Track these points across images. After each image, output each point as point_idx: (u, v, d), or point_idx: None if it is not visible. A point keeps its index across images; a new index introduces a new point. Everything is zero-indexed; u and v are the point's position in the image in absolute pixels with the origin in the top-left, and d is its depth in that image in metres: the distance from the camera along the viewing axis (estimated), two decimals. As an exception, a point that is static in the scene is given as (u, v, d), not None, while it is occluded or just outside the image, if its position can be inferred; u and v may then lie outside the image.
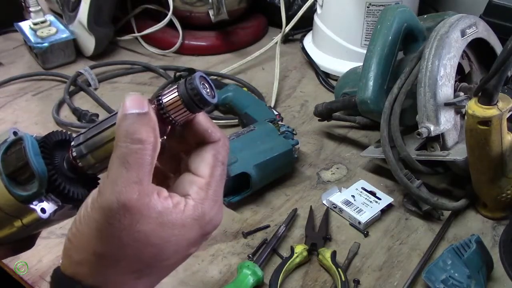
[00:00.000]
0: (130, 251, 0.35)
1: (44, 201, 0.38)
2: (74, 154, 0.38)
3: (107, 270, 0.36)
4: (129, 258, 0.36)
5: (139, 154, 0.34)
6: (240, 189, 0.72)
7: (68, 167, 0.39)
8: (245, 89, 0.93)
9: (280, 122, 0.81)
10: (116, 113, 0.37)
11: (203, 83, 0.36)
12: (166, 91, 0.36)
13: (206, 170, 0.38)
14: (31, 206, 0.38)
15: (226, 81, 1.02)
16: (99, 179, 0.41)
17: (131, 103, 0.35)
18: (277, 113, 0.83)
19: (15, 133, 0.40)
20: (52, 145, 0.39)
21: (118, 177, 0.34)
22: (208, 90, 0.36)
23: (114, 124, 0.36)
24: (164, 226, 0.35)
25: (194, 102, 0.36)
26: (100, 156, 0.37)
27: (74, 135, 0.40)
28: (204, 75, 0.37)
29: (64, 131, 0.41)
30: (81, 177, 0.39)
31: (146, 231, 0.35)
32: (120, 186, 0.34)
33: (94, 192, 0.36)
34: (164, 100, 0.36)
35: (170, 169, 0.42)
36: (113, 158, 0.35)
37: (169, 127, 0.38)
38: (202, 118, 0.39)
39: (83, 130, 0.39)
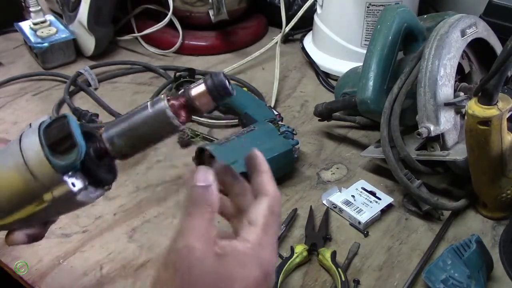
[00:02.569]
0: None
1: (75, 177, 0.42)
2: (105, 138, 0.43)
3: None
4: None
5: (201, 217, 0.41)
6: None
7: (95, 155, 0.44)
8: (245, 89, 0.93)
9: (280, 122, 0.81)
10: (145, 106, 0.43)
11: (222, 80, 0.43)
12: (193, 86, 0.44)
13: (261, 220, 0.43)
14: (65, 178, 0.42)
15: (226, 81, 1.02)
16: (116, 170, 0.47)
17: (201, 177, 0.42)
18: (277, 113, 0.83)
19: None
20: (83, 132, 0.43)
21: (186, 229, 0.40)
22: (229, 84, 0.44)
23: (144, 118, 0.43)
24: (226, 266, 0.40)
25: (219, 92, 0.43)
26: (128, 144, 0.43)
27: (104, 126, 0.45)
28: (224, 74, 0.43)
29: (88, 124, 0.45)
30: (104, 165, 0.44)
31: (212, 271, 0.40)
32: (186, 237, 0.40)
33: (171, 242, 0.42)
34: (192, 93, 0.44)
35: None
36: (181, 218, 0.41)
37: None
38: (260, 177, 0.46)
39: (114, 120, 0.44)
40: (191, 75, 0.96)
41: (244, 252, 0.41)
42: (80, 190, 0.42)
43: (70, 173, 0.42)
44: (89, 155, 0.43)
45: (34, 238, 0.47)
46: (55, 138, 0.42)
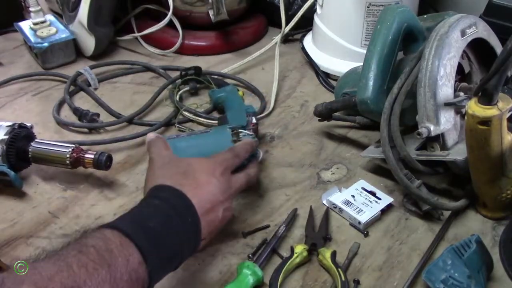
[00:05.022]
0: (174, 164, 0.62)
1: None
2: (30, 154, 0.74)
3: (172, 176, 0.60)
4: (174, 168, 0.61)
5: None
6: None
7: (25, 153, 0.74)
8: (240, 92, 0.90)
9: (248, 132, 0.75)
10: (62, 145, 0.74)
11: (107, 159, 0.73)
12: (90, 152, 0.73)
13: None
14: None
15: (229, 81, 1.01)
16: (31, 162, 0.76)
17: (151, 135, 0.69)
18: (254, 122, 0.80)
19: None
20: (21, 137, 0.73)
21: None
22: (108, 163, 0.73)
23: (59, 155, 0.73)
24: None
25: (97, 167, 0.73)
26: (43, 161, 0.74)
27: (37, 139, 0.76)
28: (111, 156, 0.74)
29: (30, 125, 0.77)
30: (26, 160, 0.75)
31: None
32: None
33: None
34: (86, 155, 0.73)
35: None
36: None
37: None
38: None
39: (44, 140, 0.75)
40: (198, 73, 0.96)
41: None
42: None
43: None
44: (20, 156, 0.73)
45: None
46: (3, 182, 0.73)
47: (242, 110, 0.83)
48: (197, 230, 0.56)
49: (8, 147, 0.72)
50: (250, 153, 0.69)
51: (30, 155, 0.73)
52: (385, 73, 0.76)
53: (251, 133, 0.75)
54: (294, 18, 1.10)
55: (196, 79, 0.96)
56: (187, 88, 0.97)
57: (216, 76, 1.02)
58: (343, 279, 0.61)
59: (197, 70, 0.96)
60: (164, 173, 0.60)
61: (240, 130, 0.74)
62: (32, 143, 0.74)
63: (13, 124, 0.74)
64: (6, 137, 0.72)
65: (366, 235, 0.70)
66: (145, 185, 0.61)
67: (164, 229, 0.52)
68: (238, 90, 0.91)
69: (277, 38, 1.08)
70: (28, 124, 0.77)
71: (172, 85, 0.97)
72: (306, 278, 0.64)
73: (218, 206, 0.60)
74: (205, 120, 0.89)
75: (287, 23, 1.10)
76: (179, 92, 0.96)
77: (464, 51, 0.75)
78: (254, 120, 0.81)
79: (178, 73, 1.04)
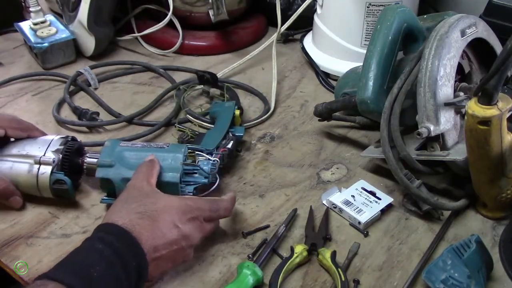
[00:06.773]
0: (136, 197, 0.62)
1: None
2: (85, 167, 0.73)
3: (129, 214, 0.58)
4: (136, 205, 0.60)
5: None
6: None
7: (80, 165, 0.73)
8: (237, 111, 0.86)
9: (208, 157, 0.73)
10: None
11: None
12: (94, 155, 0.73)
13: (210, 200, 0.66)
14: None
15: (236, 89, 1.01)
16: (83, 172, 0.74)
17: (149, 156, 0.69)
18: (229, 147, 0.76)
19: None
20: (74, 149, 0.73)
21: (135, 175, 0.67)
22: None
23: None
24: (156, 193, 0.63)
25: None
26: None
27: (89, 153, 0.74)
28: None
29: (81, 141, 0.77)
30: (79, 172, 0.74)
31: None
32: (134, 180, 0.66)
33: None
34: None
35: None
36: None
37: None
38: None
39: (95, 154, 0.73)
40: (215, 80, 0.94)
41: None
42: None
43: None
44: (73, 169, 0.72)
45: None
46: (58, 191, 0.71)
47: (221, 133, 0.79)
48: (141, 274, 0.55)
49: (64, 157, 0.72)
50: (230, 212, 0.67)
51: (85, 167, 0.73)
52: (385, 73, 0.76)
53: (212, 159, 0.72)
54: (291, 18, 1.09)
55: (213, 85, 0.95)
56: (197, 89, 0.96)
57: (229, 85, 0.97)
58: (343, 279, 0.61)
59: (213, 76, 0.94)
60: (123, 207, 0.59)
61: (200, 153, 0.73)
62: (86, 155, 0.73)
63: (66, 137, 0.74)
64: (62, 147, 0.72)
65: (366, 235, 0.70)
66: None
67: (107, 276, 0.52)
68: (237, 108, 0.85)
69: (273, 37, 1.07)
70: (79, 139, 0.77)
71: (184, 85, 0.97)
72: (306, 278, 0.64)
73: (177, 251, 0.59)
74: (203, 123, 0.89)
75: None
76: (189, 93, 0.95)
77: (464, 51, 0.75)
78: (230, 145, 0.77)
79: (178, 73, 1.05)
